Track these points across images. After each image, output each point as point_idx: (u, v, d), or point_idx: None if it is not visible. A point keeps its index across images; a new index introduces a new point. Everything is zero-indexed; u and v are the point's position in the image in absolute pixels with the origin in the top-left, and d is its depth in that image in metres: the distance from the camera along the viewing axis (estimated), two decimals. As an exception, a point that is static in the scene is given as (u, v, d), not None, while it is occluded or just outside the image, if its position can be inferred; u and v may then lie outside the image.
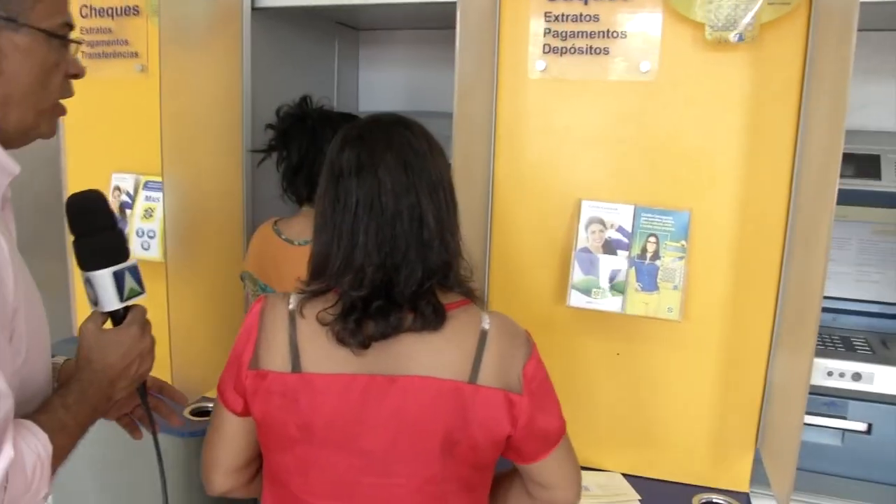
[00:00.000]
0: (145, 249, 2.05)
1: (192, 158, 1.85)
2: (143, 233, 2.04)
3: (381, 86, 2.57)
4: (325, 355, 1.10)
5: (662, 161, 1.67)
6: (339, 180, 1.11)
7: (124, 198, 2.08)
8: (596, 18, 1.65)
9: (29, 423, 0.94)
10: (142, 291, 1.14)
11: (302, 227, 1.78)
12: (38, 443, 0.93)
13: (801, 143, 1.57)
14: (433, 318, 1.09)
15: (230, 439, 1.18)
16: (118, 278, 1.10)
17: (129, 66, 2.06)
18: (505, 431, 1.11)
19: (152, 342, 1.16)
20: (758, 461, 1.73)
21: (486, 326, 1.12)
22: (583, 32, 1.66)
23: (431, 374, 1.09)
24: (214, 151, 1.92)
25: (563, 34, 1.67)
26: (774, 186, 1.62)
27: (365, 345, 1.08)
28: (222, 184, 1.96)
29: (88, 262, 1.09)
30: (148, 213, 2.04)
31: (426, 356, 1.09)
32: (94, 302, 1.11)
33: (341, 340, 1.08)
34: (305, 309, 1.12)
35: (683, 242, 1.64)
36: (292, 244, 1.75)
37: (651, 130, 1.67)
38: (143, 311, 1.16)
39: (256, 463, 1.23)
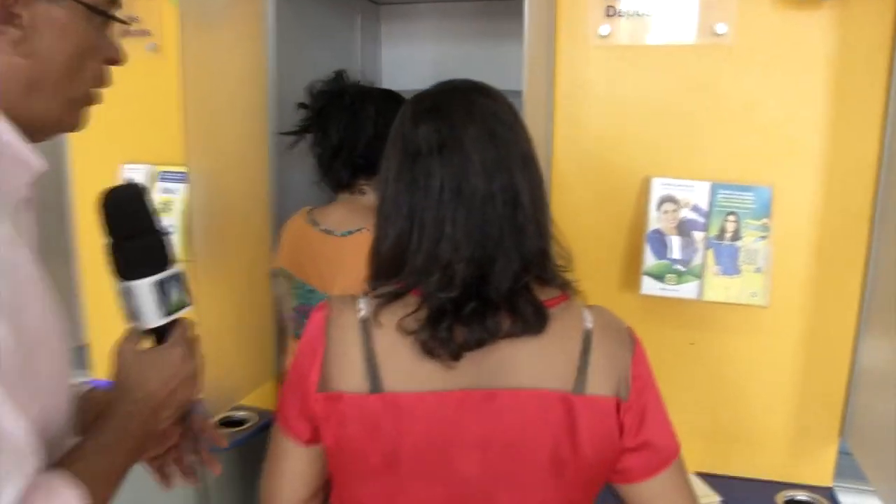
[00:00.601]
0: (164, 246, 1.88)
1: (217, 145, 1.68)
2: (161, 228, 1.87)
3: (405, 62, 2.41)
4: (409, 370, 0.93)
5: (740, 133, 1.53)
6: (415, 159, 0.94)
7: (139, 190, 1.91)
8: (665, -25, 1.50)
9: (59, 480, 0.75)
10: (189, 303, 0.99)
11: (341, 215, 1.63)
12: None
13: (892, 110, 1.44)
14: (535, 321, 0.93)
15: (295, 471, 1.01)
16: (162, 289, 0.94)
17: (139, 46, 1.87)
18: (617, 444, 0.96)
19: (200, 363, 1.01)
20: (840, 453, 1.62)
21: (590, 325, 0.97)
22: (651, -9, 1.51)
23: (535, 386, 0.93)
24: (239, 137, 1.75)
25: (628, -5, 1.53)
26: (862, 158, 1.49)
27: (457, 356, 0.91)
28: (248, 172, 1.79)
29: (127, 270, 0.93)
30: (166, 207, 1.87)
31: (527, 365, 0.93)
32: (133, 317, 0.96)
33: (430, 352, 0.91)
34: (382, 316, 0.94)
35: (765, 220, 1.50)
36: (332, 235, 1.60)
37: (727, 100, 1.52)
38: (188, 326, 1.00)
39: (323, 493, 1.05)
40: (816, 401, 1.61)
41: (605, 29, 1.54)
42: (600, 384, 0.94)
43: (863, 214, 1.50)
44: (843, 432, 1.60)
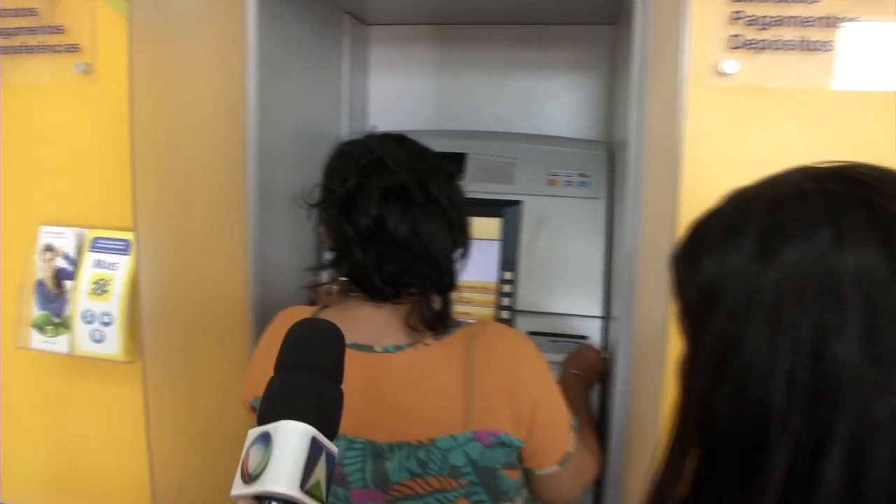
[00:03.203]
0: (96, 342, 1.36)
1: (177, 204, 1.21)
2: (92, 317, 1.36)
3: (398, 96, 1.97)
4: None
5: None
6: None
7: (61, 263, 1.39)
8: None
9: None
10: (323, 498, 0.66)
11: (378, 322, 1.09)
12: None
13: None
14: None
15: None
16: (314, 450, 0.66)
17: (67, 66, 1.37)
18: None
19: None
20: None
21: None
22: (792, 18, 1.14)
23: None
24: (207, 192, 1.27)
25: (762, 21, 1.15)
26: None
27: None
28: (220, 242, 1.31)
29: (283, 408, 0.67)
30: (100, 288, 1.36)
31: None
32: (251, 473, 0.64)
33: None
34: None
35: None
36: (369, 351, 1.07)
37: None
38: None
39: None
40: None
41: (730, 65, 1.15)
42: None
43: None
44: None
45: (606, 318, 1.58)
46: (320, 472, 0.67)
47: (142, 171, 1.07)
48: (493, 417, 1.00)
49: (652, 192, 1.16)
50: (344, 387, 1.03)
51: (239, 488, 0.65)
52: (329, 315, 1.12)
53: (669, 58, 1.11)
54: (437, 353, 1.03)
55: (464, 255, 1.08)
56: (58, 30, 1.36)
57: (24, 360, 1.47)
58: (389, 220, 1.00)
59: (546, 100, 1.90)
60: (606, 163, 1.68)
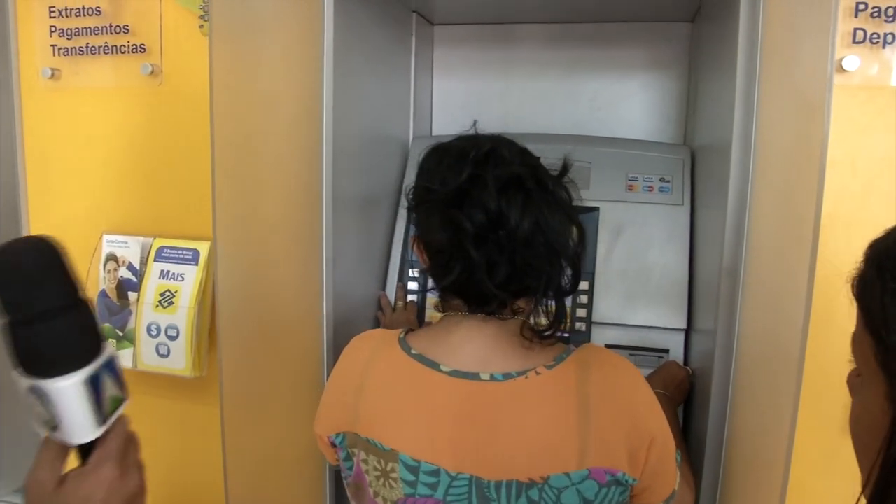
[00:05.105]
0: (162, 357, 1.30)
1: (253, 210, 1.14)
2: (158, 330, 1.30)
3: (460, 98, 1.88)
4: None
5: None
6: None
7: (125, 273, 1.33)
8: None
9: None
10: (125, 397, 0.75)
11: (482, 347, 0.98)
12: None
13: None
14: None
15: None
16: (95, 386, 0.70)
17: (132, 67, 1.31)
18: None
19: (140, 480, 0.76)
20: None
21: None
22: None
23: None
24: (283, 199, 1.20)
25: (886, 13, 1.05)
26: None
27: None
28: (293, 252, 1.24)
29: (39, 364, 0.67)
30: (166, 300, 1.30)
31: None
32: (51, 427, 0.70)
33: None
34: None
35: None
36: (474, 379, 0.95)
37: None
38: (122, 424, 0.75)
39: None
40: None
41: (850, 62, 1.06)
42: None
43: None
44: None
45: (689, 330, 1.49)
46: (108, 385, 0.71)
47: (221, 174, 1.00)
48: (610, 455, 0.91)
49: (763, 200, 1.07)
50: (447, 417, 0.95)
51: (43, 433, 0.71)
52: (422, 338, 1.03)
53: (787, 55, 1.02)
54: (549, 383, 0.94)
55: (581, 255, 0.99)
56: (124, 30, 1.30)
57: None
58: (512, 213, 0.90)
59: (619, 101, 1.81)
60: (688, 166, 1.59)
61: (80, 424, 0.70)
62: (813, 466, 1.10)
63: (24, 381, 0.68)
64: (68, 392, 0.68)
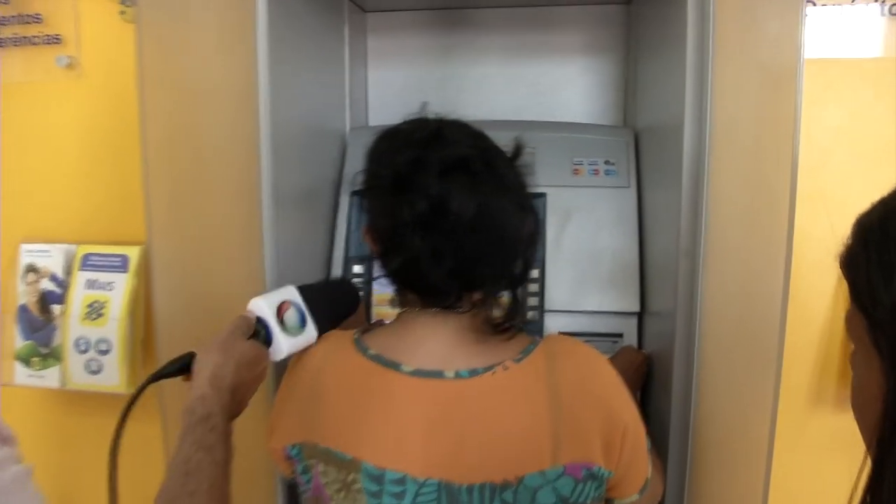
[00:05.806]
0: (93, 373, 1.20)
1: (189, 209, 1.06)
2: (87, 345, 1.20)
3: (397, 87, 1.83)
4: None
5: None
6: None
7: (47, 284, 1.23)
8: None
9: None
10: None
11: (444, 344, 0.93)
12: None
13: None
14: None
15: None
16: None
17: (47, 60, 1.20)
18: None
19: None
20: None
21: None
22: None
23: None
24: (220, 195, 1.12)
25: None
26: None
27: None
28: (234, 250, 1.16)
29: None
30: (94, 312, 1.20)
31: None
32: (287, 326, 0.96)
33: None
34: None
35: None
36: (438, 378, 0.90)
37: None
38: None
39: None
40: None
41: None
42: None
43: None
44: None
45: (642, 313, 1.48)
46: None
47: (154, 175, 0.92)
48: (584, 448, 0.87)
49: (722, 178, 1.05)
50: (412, 421, 0.90)
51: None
52: (379, 337, 0.98)
53: (742, 29, 1.00)
54: (517, 378, 0.89)
55: (534, 242, 0.95)
56: (34, 19, 1.20)
57: (9, 397, 1.29)
58: (453, 198, 0.85)
59: (560, 86, 1.78)
60: (632, 148, 1.58)
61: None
62: (780, 439, 1.10)
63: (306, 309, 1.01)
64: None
